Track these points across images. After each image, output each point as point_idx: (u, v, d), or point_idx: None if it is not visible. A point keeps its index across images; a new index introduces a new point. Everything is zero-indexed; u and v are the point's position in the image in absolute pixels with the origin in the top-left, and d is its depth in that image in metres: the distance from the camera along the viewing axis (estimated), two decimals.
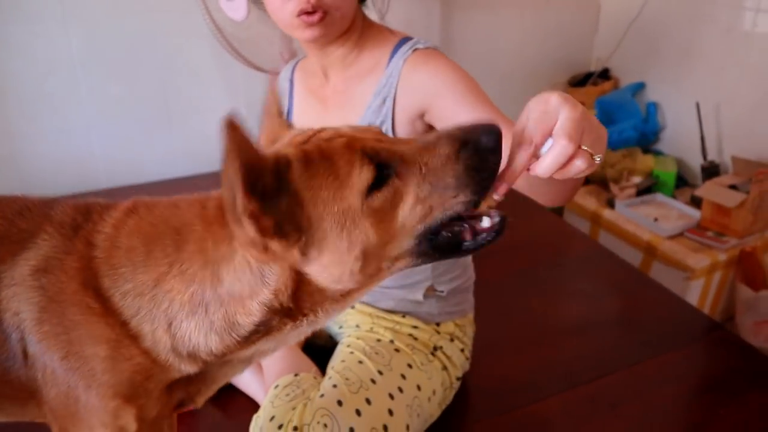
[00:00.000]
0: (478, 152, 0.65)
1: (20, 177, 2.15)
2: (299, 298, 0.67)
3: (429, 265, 1.20)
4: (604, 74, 2.91)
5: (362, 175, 0.63)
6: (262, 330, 0.69)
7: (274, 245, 0.62)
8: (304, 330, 0.72)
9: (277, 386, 1.10)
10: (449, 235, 0.67)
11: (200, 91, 2.27)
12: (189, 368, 0.71)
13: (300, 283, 0.66)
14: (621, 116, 2.69)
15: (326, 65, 1.15)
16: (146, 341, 0.68)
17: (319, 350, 1.29)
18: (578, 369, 1.37)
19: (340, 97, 1.15)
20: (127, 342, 0.69)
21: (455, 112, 0.99)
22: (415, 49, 1.06)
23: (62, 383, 0.69)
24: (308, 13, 0.99)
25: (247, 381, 1.24)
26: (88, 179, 2.16)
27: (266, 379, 1.18)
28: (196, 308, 0.67)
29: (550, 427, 1.24)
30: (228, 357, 0.72)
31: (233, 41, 1.73)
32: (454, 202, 0.65)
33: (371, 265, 0.66)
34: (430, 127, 1.08)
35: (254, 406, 1.15)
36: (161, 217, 0.71)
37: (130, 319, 0.68)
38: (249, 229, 0.60)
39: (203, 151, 2.27)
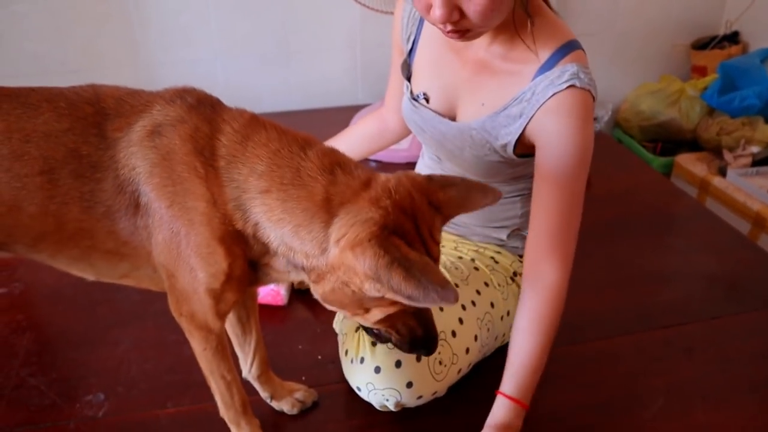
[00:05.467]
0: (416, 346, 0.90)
1: None
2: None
3: (518, 211, 1.24)
4: (733, 38, 2.76)
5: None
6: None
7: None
8: None
9: None
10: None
11: (319, 30, 2.39)
12: (260, 249, 0.83)
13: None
14: (745, 82, 2.55)
15: None
16: (237, 223, 0.80)
17: None
18: (657, 313, 1.39)
19: (481, 68, 1.09)
20: (219, 214, 0.80)
21: (539, 177, 1.02)
22: (570, 86, 0.96)
23: (167, 228, 0.80)
24: (451, 31, 0.96)
25: None
26: None
27: None
28: (278, 231, 0.79)
29: (622, 361, 1.26)
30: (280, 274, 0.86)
31: None
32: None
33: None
34: None
35: None
36: (290, 151, 0.80)
37: (227, 201, 0.80)
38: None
39: (317, 88, 2.40)
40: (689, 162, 2.50)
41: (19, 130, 0.80)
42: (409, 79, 1.22)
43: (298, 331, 1.33)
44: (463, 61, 1.12)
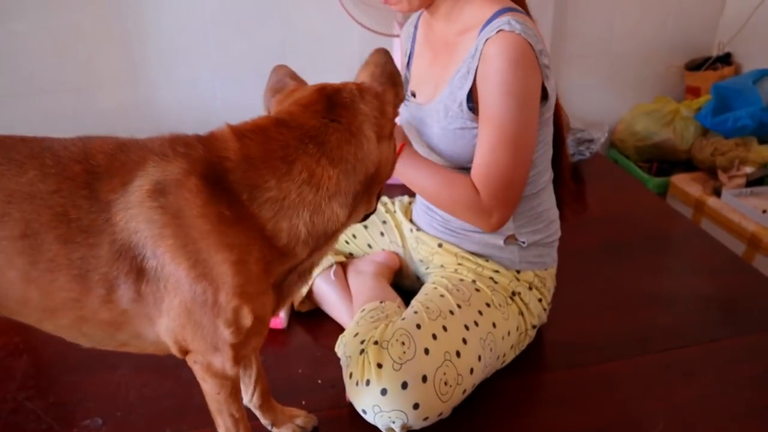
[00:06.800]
0: None
1: (152, 120, 2.39)
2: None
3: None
4: (725, 59, 2.79)
5: None
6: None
7: None
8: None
9: (363, 310, 1.21)
10: None
11: (317, 50, 2.41)
12: (306, 252, 0.85)
13: None
14: (738, 103, 2.58)
15: (431, 19, 1.23)
16: (282, 238, 0.81)
17: (407, 291, 1.39)
18: (655, 336, 1.39)
19: (443, 49, 1.22)
20: (259, 243, 0.79)
21: (480, 118, 1.12)
22: (499, 31, 1.07)
23: (187, 291, 0.76)
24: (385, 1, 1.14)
25: (337, 308, 1.36)
26: (210, 125, 2.34)
27: (354, 307, 1.30)
28: (318, 210, 0.83)
29: (621, 385, 1.26)
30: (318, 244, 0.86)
31: (349, 6, 1.83)
32: None
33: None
34: None
35: (341, 331, 1.26)
36: (283, 142, 0.82)
37: (266, 221, 0.80)
38: None
39: None
40: (684, 182, 2.52)
41: (0, 189, 0.76)
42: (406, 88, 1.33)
43: (298, 354, 1.32)
44: (433, 50, 1.26)
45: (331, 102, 0.86)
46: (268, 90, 0.96)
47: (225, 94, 2.39)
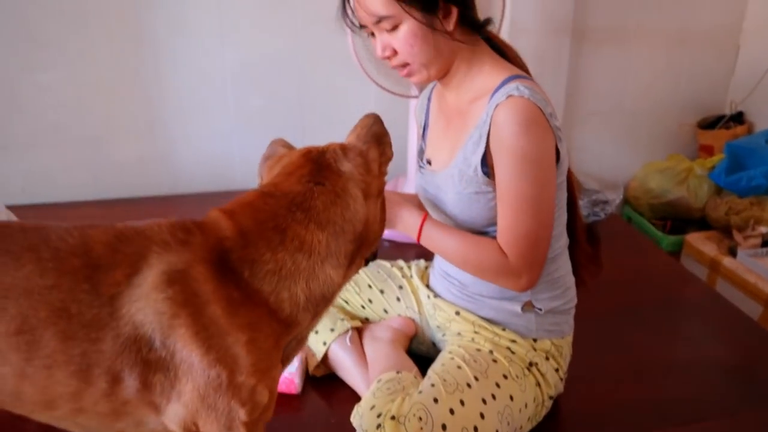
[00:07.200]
0: None
1: (170, 174, 2.43)
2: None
3: None
4: (738, 118, 2.82)
5: None
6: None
7: None
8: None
9: (379, 380, 1.20)
10: None
11: (333, 107, 2.45)
12: (308, 318, 0.86)
13: None
14: (752, 162, 2.59)
15: (444, 90, 1.26)
16: (285, 309, 0.82)
17: (423, 357, 1.38)
18: (675, 410, 1.36)
19: (456, 117, 1.25)
20: (266, 318, 0.81)
21: (496, 182, 1.14)
22: (509, 96, 1.09)
23: (200, 376, 0.76)
24: (397, 66, 1.18)
25: (353, 374, 1.35)
26: (226, 179, 2.39)
27: (370, 375, 1.28)
28: (313, 275, 0.85)
29: None
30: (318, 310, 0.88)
31: (368, 68, 1.87)
32: None
33: None
34: None
35: (356, 398, 1.25)
36: (272, 212, 0.85)
37: (269, 295, 0.81)
38: None
39: None
40: (699, 241, 2.51)
41: None
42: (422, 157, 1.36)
43: (313, 421, 1.31)
44: (446, 119, 1.28)
45: (317, 165, 0.89)
46: (262, 159, 0.99)
47: (242, 149, 2.42)
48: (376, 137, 0.96)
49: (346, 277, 0.90)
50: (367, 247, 0.95)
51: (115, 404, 0.78)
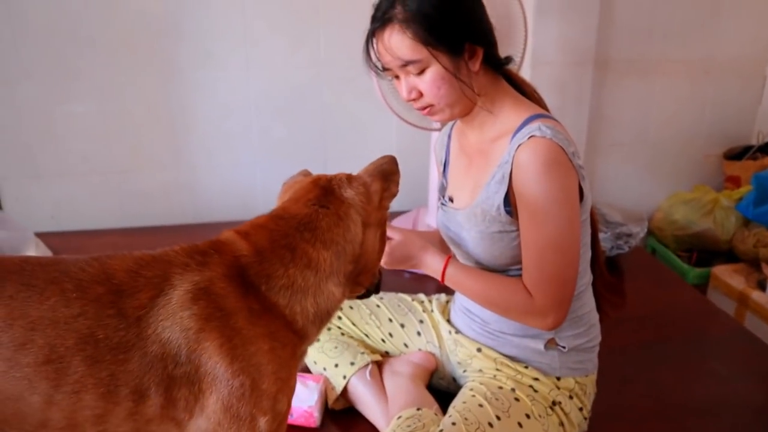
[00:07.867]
0: None
1: (195, 204, 2.46)
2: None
3: None
4: (766, 149, 2.78)
5: None
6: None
7: None
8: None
9: (400, 417, 1.19)
10: None
11: (356, 139, 2.47)
12: (315, 331, 0.93)
13: None
14: None
15: (465, 128, 1.26)
16: (298, 321, 0.89)
17: (443, 392, 1.37)
18: None
19: (478, 156, 1.25)
20: (284, 329, 0.86)
21: (520, 222, 1.15)
22: (531, 137, 1.10)
23: (224, 386, 0.80)
24: (420, 108, 1.19)
25: (372, 409, 1.34)
26: (249, 209, 2.39)
27: (390, 410, 1.27)
28: (319, 290, 0.91)
29: None
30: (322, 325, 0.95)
31: (391, 101, 1.89)
32: None
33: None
34: None
35: None
36: (283, 232, 0.91)
37: (284, 308, 0.87)
38: None
39: None
40: (726, 274, 2.47)
41: (22, 317, 0.76)
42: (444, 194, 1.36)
43: None
44: (468, 157, 1.29)
45: (323, 190, 0.96)
46: (282, 186, 1.07)
47: (265, 179, 2.45)
48: (384, 173, 1.02)
49: (344, 296, 0.96)
50: (365, 274, 1.02)
51: (138, 423, 0.80)
